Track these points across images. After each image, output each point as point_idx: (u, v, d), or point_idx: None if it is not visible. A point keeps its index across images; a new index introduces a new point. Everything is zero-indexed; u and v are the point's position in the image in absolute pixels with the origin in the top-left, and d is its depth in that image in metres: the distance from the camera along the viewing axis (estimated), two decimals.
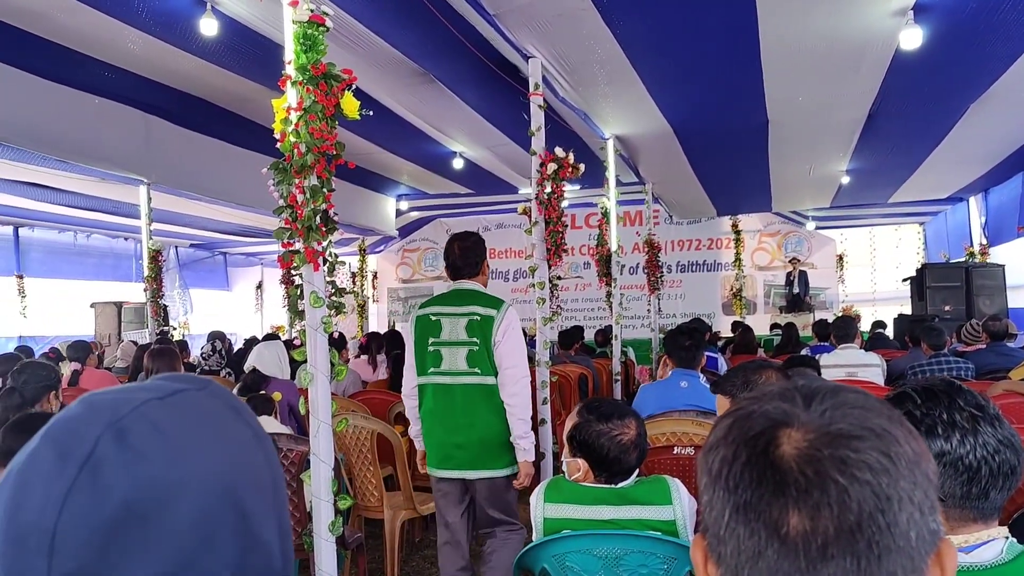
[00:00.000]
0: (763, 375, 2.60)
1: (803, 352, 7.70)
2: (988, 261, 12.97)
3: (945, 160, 11.04)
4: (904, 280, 13.26)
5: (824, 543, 0.65)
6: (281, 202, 3.20)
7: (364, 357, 7.83)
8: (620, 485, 2.48)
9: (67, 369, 6.67)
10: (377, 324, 19.38)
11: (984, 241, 13.76)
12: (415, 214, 17.72)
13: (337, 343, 5.84)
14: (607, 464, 2.49)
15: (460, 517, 3.98)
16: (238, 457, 0.66)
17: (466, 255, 4.04)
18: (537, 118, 6.37)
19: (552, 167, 6.22)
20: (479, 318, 3.85)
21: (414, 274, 19.89)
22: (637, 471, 2.55)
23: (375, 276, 19.89)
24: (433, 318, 3.89)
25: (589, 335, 12.51)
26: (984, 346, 6.66)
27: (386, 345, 7.55)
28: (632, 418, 2.51)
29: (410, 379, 3.96)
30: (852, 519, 0.65)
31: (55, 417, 0.63)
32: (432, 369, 3.85)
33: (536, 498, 2.57)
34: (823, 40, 6.62)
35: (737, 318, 16.24)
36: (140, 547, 0.58)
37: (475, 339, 3.81)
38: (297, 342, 3.37)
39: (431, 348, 3.85)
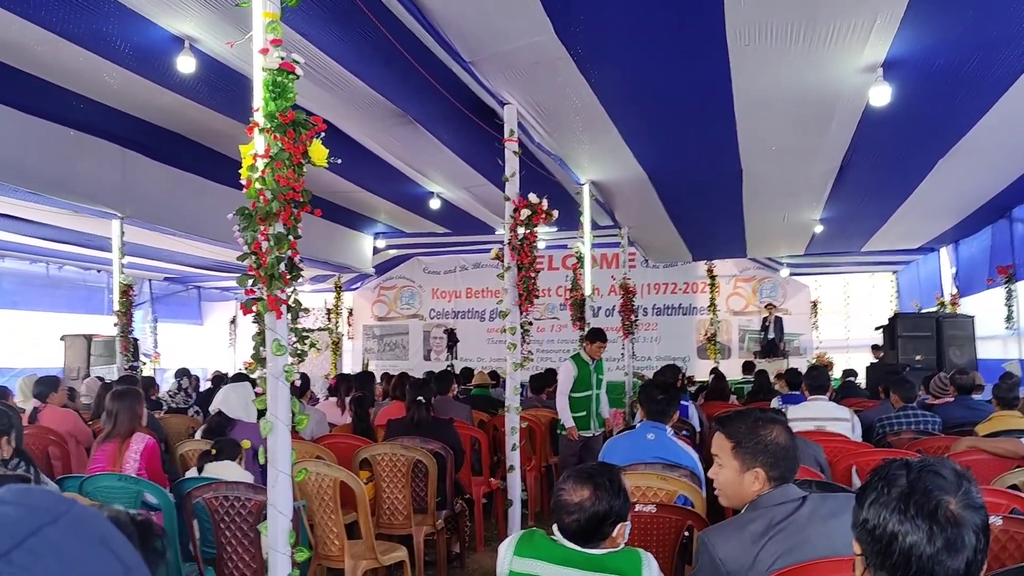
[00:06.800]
0: (772, 430, 2.54)
1: (774, 400, 7.72)
2: (958, 312, 13.11)
3: (916, 211, 11.20)
4: (876, 328, 13.35)
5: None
6: (245, 248, 3.17)
7: (334, 399, 7.75)
8: (591, 551, 2.42)
9: (28, 405, 6.55)
10: (352, 361, 19.24)
11: (955, 291, 13.91)
12: (392, 252, 17.70)
13: (298, 388, 5.78)
14: (558, 524, 2.47)
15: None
16: None
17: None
18: (511, 164, 6.40)
19: (525, 213, 6.24)
20: None
21: (390, 312, 19.80)
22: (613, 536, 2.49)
23: (350, 313, 19.78)
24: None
25: None
26: (952, 399, 6.69)
27: (354, 387, 7.47)
28: (588, 485, 2.43)
29: None
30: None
31: None
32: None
33: (506, 548, 2.50)
34: (795, 94, 6.73)
35: (711, 362, 16.29)
36: None
37: None
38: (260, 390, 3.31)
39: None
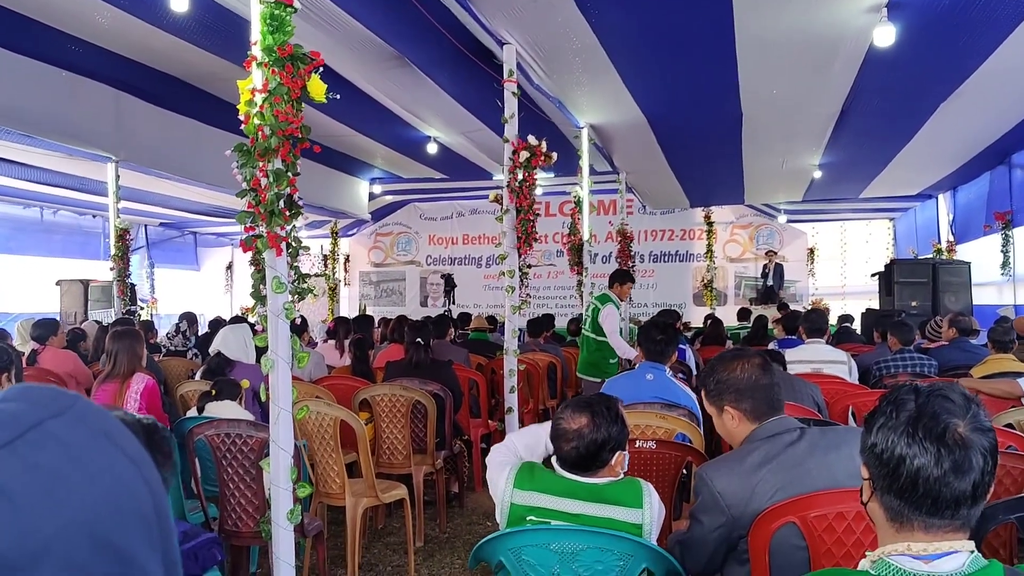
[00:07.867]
0: (732, 366, 2.55)
1: (771, 345, 7.75)
2: (955, 258, 13.12)
3: (915, 157, 11.14)
4: (873, 275, 13.37)
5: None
6: (244, 185, 3.15)
7: (332, 342, 7.77)
8: (591, 480, 2.45)
9: (27, 348, 6.56)
10: (348, 307, 19.25)
11: (951, 238, 13.92)
12: (389, 198, 17.61)
13: (298, 327, 5.79)
14: (557, 453, 2.50)
15: None
16: (110, 493, 0.57)
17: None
18: (510, 105, 6.33)
19: (524, 155, 6.19)
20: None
21: (386, 258, 19.76)
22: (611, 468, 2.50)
23: (347, 259, 19.74)
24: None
25: (561, 323, 12.49)
26: (947, 343, 6.73)
27: (353, 330, 7.49)
28: (586, 413, 2.45)
29: None
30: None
31: None
32: None
33: (506, 481, 2.51)
34: (797, 35, 6.63)
35: (708, 309, 16.33)
36: None
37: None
38: (260, 328, 3.32)
39: None
